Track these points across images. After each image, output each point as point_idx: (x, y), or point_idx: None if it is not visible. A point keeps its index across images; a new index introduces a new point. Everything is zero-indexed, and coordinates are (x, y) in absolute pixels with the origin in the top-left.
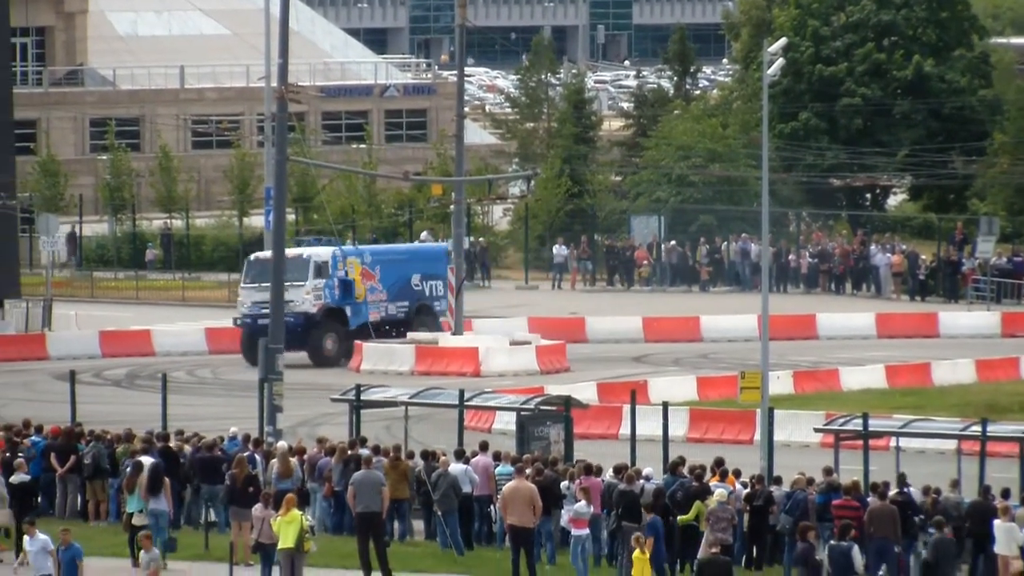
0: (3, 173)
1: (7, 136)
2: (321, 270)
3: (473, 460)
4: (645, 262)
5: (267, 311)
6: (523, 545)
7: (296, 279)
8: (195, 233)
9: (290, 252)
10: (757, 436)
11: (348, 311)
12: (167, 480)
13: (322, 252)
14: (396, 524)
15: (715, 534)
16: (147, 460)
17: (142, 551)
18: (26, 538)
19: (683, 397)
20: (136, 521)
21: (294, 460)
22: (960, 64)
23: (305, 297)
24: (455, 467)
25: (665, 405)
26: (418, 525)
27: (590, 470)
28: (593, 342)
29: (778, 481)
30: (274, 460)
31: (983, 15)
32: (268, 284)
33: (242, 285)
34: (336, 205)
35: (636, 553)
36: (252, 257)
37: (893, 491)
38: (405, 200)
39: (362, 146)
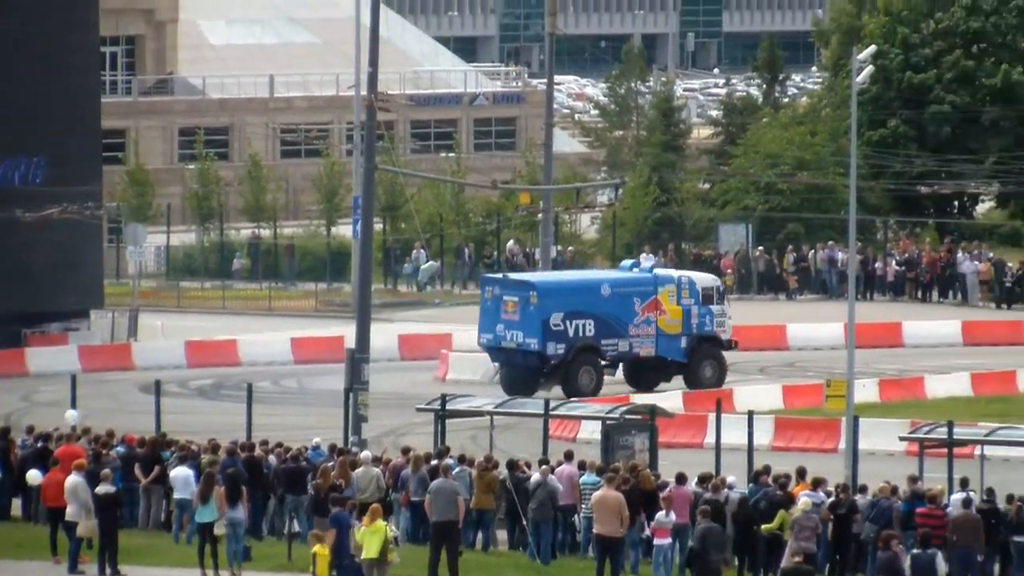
0: (90, 184)
1: (94, 146)
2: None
3: (558, 470)
4: (730, 270)
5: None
6: (610, 554)
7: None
8: (283, 242)
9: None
10: (842, 444)
11: None
12: (244, 489)
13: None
14: (480, 534)
15: (799, 543)
16: (183, 472)
17: None
18: None
19: (768, 405)
20: (217, 531)
21: (373, 470)
22: None
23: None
24: (540, 476)
25: (750, 414)
26: (502, 535)
27: (679, 480)
28: None
29: (863, 490)
30: (359, 470)
31: None
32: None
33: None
34: (424, 214)
35: (316, 547)
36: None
37: (978, 500)
38: (493, 209)
39: (451, 155)
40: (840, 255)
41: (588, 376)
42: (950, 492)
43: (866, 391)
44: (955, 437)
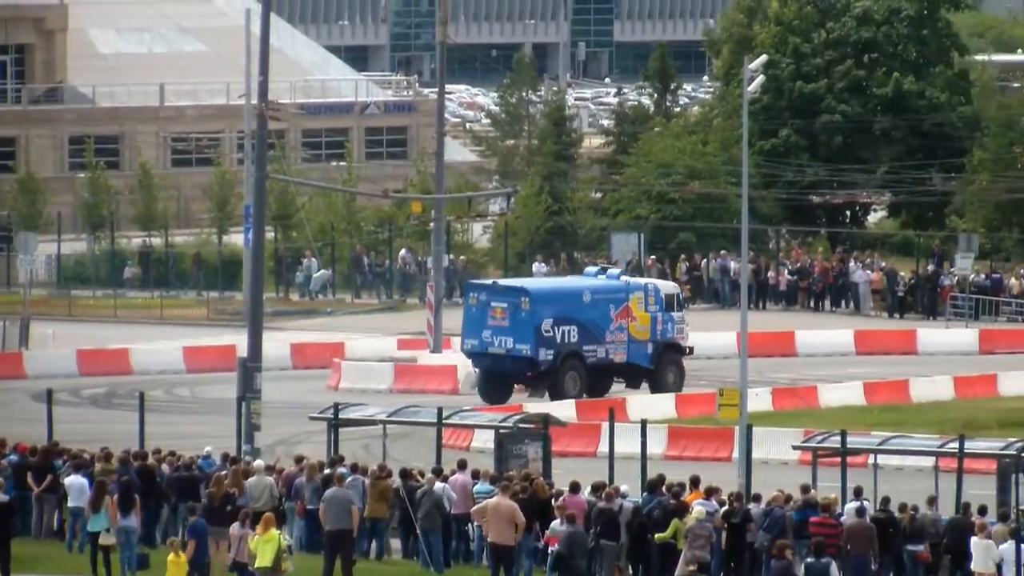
0: None
1: None
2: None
3: (451, 478)
4: None
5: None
6: (504, 563)
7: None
8: (188, 251)
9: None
10: (736, 453)
11: None
12: (137, 498)
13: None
14: (374, 543)
15: (693, 551)
16: (77, 480)
17: None
18: None
19: (662, 415)
20: (103, 540)
21: (266, 479)
22: (940, 81)
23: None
24: (427, 485)
25: (643, 423)
26: (395, 543)
27: (573, 488)
28: None
29: (756, 498)
30: (251, 478)
31: (967, 33)
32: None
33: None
34: (316, 223)
35: (171, 556)
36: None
37: (872, 510)
38: (385, 217)
39: (342, 164)
40: (732, 264)
41: (573, 382)
42: (844, 501)
43: (759, 400)
44: (848, 446)
